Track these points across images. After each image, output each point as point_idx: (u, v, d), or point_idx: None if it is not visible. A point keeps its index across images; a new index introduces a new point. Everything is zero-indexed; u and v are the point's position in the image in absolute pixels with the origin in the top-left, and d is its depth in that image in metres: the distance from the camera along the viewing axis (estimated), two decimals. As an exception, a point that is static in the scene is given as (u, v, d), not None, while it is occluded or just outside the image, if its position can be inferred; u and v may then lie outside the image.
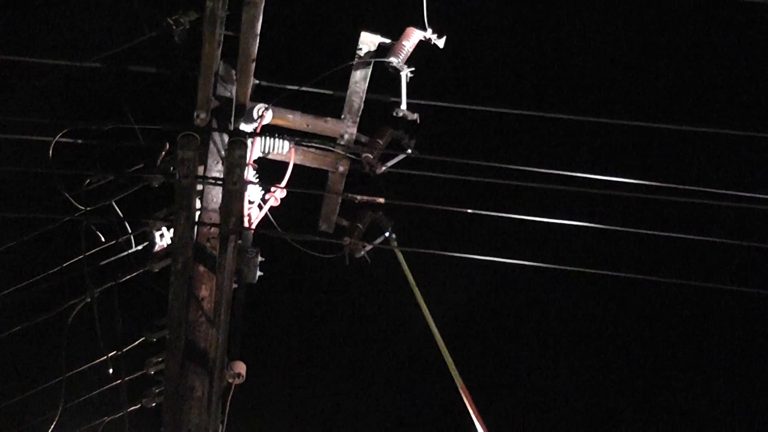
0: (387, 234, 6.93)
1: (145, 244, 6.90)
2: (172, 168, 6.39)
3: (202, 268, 6.43)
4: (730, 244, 7.09)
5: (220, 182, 6.29)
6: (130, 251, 7.00)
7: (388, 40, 6.72)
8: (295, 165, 6.82)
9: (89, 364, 7.53)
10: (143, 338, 6.94)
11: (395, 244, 7.01)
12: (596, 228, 6.91)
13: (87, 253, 6.75)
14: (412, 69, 6.67)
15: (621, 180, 6.71)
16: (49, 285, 7.33)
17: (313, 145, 6.91)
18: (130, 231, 6.92)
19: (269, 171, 6.96)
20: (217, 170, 6.65)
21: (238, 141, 5.86)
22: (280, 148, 6.81)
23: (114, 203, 6.77)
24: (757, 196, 6.80)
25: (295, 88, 6.87)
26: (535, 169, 6.62)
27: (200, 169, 6.50)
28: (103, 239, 6.85)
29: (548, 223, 6.84)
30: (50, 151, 6.34)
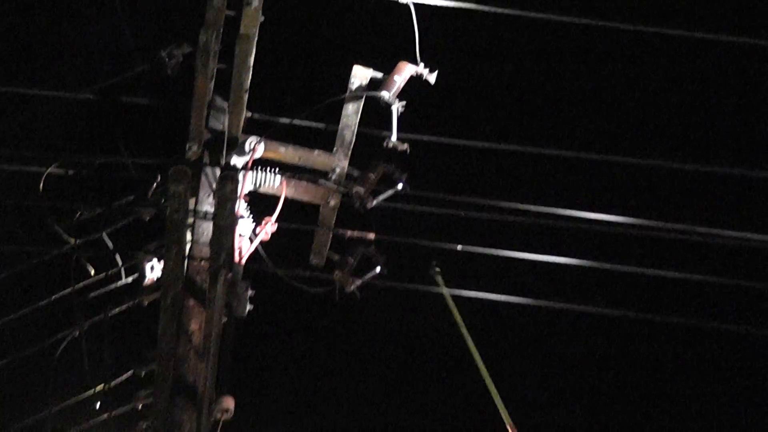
0: (378, 269, 6.93)
1: (135, 276, 6.90)
2: (163, 200, 6.46)
3: (192, 302, 6.45)
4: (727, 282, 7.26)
5: (211, 217, 6.32)
6: (120, 283, 6.99)
7: (380, 74, 6.74)
8: (286, 198, 6.88)
9: (76, 398, 7.46)
10: (132, 372, 6.96)
11: (444, 288, 6.87)
12: (587, 266, 6.91)
13: (76, 286, 6.78)
14: (404, 103, 6.70)
15: (612, 218, 6.84)
16: (38, 318, 7.30)
17: (305, 178, 6.95)
18: (120, 263, 6.89)
19: (260, 203, 6.99)
20: (208, 203, 6.70)
21: (230, 176, 5.87)
22: (272, 182, 6.86)
23: (105, 235, 6.78)
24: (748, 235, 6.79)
25: (288, 121, 6.91)
26: (526, 206, 6.74)
27: (191, 202, 6.56)
28: (92, 272, 6.82)
29: (538, 260, 6.80)
30: (41, 183, 6.41)
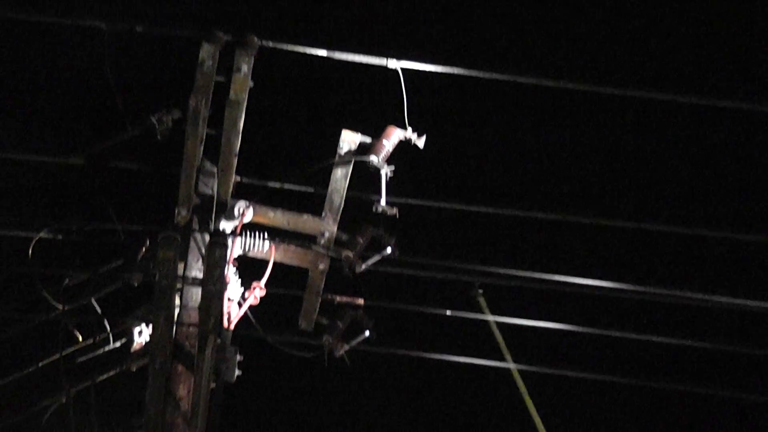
0: (367, 333, 6.91)
1: (123, 341, 6.89)
2: (152, 266, 6.44)
3: (180, 367, 6.43)
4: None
5: (199, 282, 6.34)
6: (108, 349, 6.95)
7: (368, 139, 6.77)
8: (275, 262, 6.87)
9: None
10: (119, 439, 6.86)
11: (488, 313, 6.92)
12: (577, 331, 6.91)
13: (64, 352, 6.75)
14: (392, 167, 6.73)
15: (604, 284, 6.90)
16: (25, 384, 7.25)
17: (294, 243, 6.94)
18: (108, 329, 6.87)
19: (249, 267, 6.98)
20: (197, 268, 6.70)
21: (219, 242, 5.97)
22: (261, 247, 6.86)
23: (93, 301, 6.77)
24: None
25: (277, 185, 6.95)
26: (512, 272, 6.76)
27: (180, 267, 6.54)
28: (80, 338, 6.79)
29: (529, 326, 6.81)
30: (30, 250, 6.41)
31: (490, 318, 7.29)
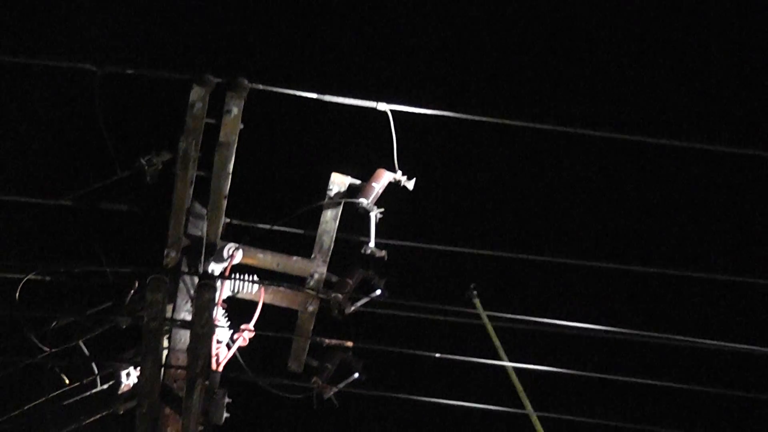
0: (356, 375, 6.92)
1: (111, 383, 6.86)
2: (140, 308, 6.45)
3: (168, 410, 6.41)
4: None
5: (188, 325, 6.37)
6: (95, 391, 6.94)
7: (358, 181, 6.82)
8: (264, 304, 6.87)
9: None
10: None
11: (482, 312, 6.92)
12: (568, 373, 6.91)
13: (50, 395, 6.76)
14: (382, 210, 6.76)
15: (598, 327, 6.97)
16: (10, 428, 7.20)
17: (283, 285, 6.94)
18: (96, 371, 6.84)
19: (239, 308, 6.98)
20: (186, 310, 6.69)
21: (208, 284, 6.03)
22: (250, 289, 6.86)
23: (81, 343, 6.77)
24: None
25: (267, 227, 6.94)
26: (502, 314, 6.78)
27: (169, 309, 6.56)
28: (67, 381, 6.77)
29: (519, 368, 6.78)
30: (17, 292, 6.41)
31: (483, 315, 7.11)
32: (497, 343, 7.71)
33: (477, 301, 7.69)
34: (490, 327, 7.59)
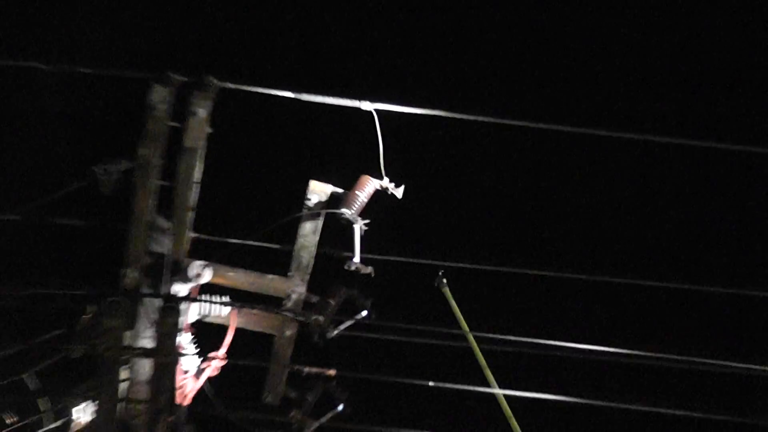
0: (340, 408, 6.59)
1: (63, 421, 6.68)
2: (96, 335, 6.08)
3: (127, 450, 6.20)
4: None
5: (150, 353, 6.11)
6: (45, 430, 6.76)
7: (340, 190, 6.55)
8: (237, 329, 6.59)
9: None
10: None
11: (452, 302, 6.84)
12: (563, 401, 6.62)
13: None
14: (367, 221, 6.46)
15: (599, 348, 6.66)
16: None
17: (257, 306, 6.65)
18: (42, 409, 6.55)
19: (207, 334, 6.70)
20: (147, 336, 6.35)
21: (172, 307, 5.85)
22: (220, 312, 6.59)
23: (29, 376, 6.62)
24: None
25: (238, 242, 6.71)
26: (499, 336, 6.54)
27: (128, 335, 6.22)
28: (14, 418, 6.37)
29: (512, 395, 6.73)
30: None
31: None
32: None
33: (446, 290, 7.41)
34: (461, 318, 7.27)
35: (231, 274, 6.62)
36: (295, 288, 6.65)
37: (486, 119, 6.36)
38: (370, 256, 6.55)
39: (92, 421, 6.28)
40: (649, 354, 6.79)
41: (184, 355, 6.30)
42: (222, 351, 6.52)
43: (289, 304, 6.62)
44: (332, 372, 6.55)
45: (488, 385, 7.44)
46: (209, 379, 6.53)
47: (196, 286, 6.42)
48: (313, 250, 6.61)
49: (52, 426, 6.69)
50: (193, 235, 6.50)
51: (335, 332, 6.48)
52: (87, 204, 6.38)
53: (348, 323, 6.52)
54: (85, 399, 6.40)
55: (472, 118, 6.36)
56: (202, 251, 6.56)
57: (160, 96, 6.04)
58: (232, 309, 6.56)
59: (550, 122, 6.37)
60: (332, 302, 6.52)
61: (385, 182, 6.48)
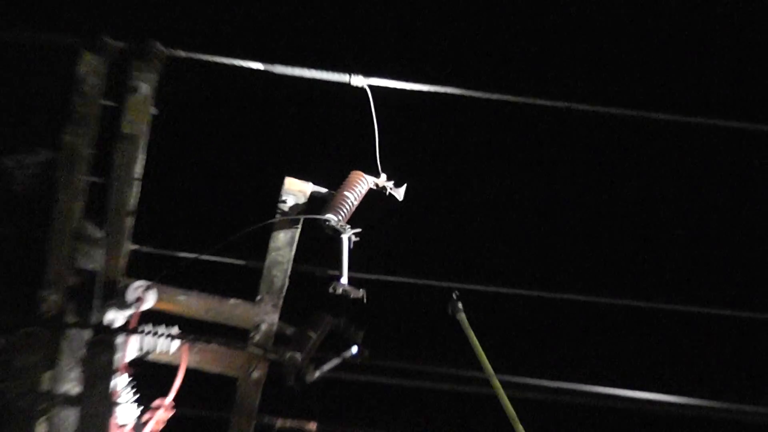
0: (323, 472, 6.80)
1: None
2: (4, 377, 6.16)
3: None
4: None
5: (77, 401, 6.15)
6: None
7: (324, 189, 6.56)
8: (189, 369, 6.59)
9: None
10: None
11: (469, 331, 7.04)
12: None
13: None
14: (358, 230, 6.38)
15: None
16: None
17: (215, 340, 6.58)
18: None
19: (151, 376, 6.69)
20: (72, 379, 6.36)
21: (105, 342, 5.92)
22: (167, 347, 6.55)
23: None
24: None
25: (191, 256, 6.60)
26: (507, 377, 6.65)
27: (47, 377, 6.25)
28: None
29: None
30: None
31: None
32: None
33: (462, 316, 7.51)
34: (482, 355, 7.69)
35: (182, 298, 6.63)
36: (265, 317, 6.64)
37: (508, 98, 6.40)
38: (361, 275, 6.55)
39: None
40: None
41: (119, 404, 6.30)
42: (169, 398, 6.49)
43: (257, 338, 6.61)
44: (312, 426, 6.57)
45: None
46: (152, 434, 6.65)
47: (135, 314, 6.41)
48: (288, 267, 6.59)
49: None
50: (132, 247, 6.53)
51: (316, 374, 6.37)
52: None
53: (333, 362, 6.46)
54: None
55: (491, 96, 6.42)
56: (143, 268, 6.59)
57: (90, 67, 6.09)
58: (182, 344, 6.53)
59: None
60: (313, 335, 6.46)
61: (382, 180, 6.53)
